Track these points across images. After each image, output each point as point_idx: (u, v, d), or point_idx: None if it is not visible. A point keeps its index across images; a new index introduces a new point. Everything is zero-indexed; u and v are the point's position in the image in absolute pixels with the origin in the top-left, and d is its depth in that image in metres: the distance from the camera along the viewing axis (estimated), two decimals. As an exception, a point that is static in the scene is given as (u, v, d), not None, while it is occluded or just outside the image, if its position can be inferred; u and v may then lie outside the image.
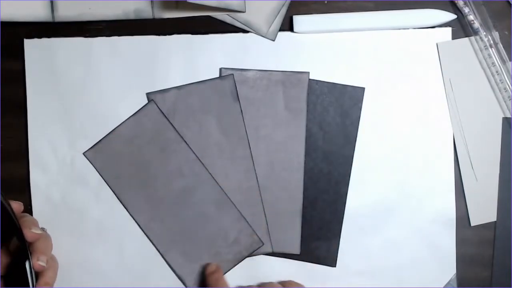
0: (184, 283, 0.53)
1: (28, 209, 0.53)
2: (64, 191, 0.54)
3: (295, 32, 0.53)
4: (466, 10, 0.52)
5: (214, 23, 0.53)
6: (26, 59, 0.53)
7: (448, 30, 0.53)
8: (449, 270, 0.54)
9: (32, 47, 0.53)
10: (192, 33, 0.53)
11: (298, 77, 0.52)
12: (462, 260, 0.54)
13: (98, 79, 0.53)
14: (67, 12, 0.52)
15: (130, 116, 0.52)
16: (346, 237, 0.54)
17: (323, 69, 0.53)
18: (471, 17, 0.52)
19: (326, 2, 0.53)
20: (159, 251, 0.53)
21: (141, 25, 0.53)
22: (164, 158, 0.52)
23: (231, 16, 0.53)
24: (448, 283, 0.53)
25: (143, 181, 0.53)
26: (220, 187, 0.52)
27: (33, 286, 0.45)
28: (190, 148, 0.52)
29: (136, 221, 0.53)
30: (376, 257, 0.54)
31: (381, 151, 0.53)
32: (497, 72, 0.52)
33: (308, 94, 0.53)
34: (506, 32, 0.53)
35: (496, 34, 0.52)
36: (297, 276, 0.54)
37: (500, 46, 0.52)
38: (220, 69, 0.53)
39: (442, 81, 0.53)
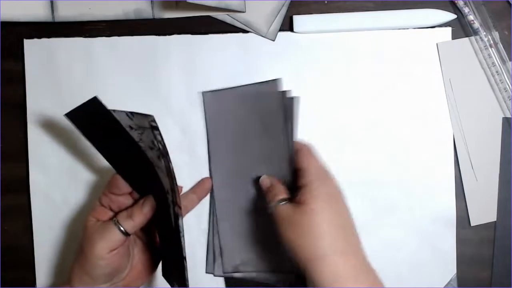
0: (213, 257, 0.53)
1: (28, 209, 0.53)
2: (64, 191, 0.54)
3: (295, 32, 0.53)
4: (466, 10, 0.52)
5: (214, 23, 0.53)
6: (26, 59, 0.53)
7: (448, 30, 0.53)
8: (449, 270, 0.54)
9: (32, 47, 0.53)
10: (192, 33, 0.53)
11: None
12: (462, 260, 0.54)
13: (98, 79, 0.53)
14: (67, 12, 0.52)
15: (256, 83, 0.52)
16: (346, 237, 0.54)
17: (323, 69, 0.53)
18: (471, 17, 0.52)
19: (326, 2, 0.53)
20: (215, 217, 0.53)
21: (141, 25, 0.53)
22: (261, 137, 0.52)
23: (231, 16, 0.53)
24: (448, 283, 0.53)
25: (236, 145, 0.52)
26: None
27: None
28: (289, 143, 0.51)
29: (212, 177, 0.53)
30: (376, 257, 0.54)
31: (381, 151, 0.53)
32: (497, 72, 0.52)
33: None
34: (506, 32, 0.53)
35: (496, 34, 0.52)
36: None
37: (500, 46, 0.52)
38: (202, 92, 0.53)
39: (442, 81, 0.53)
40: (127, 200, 0.48)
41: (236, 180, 0.53)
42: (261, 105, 0.51)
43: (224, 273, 0.53)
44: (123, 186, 0.47)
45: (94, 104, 0.41)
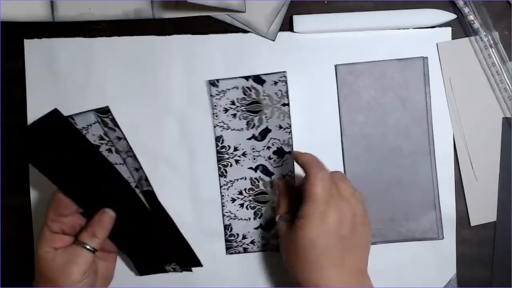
0: None
1: (28, 209, 0.53)
2: (64, 191, 0.54)
3: (295, 32, 0.53)
4: (466, 10, 0.52)
5: (214, 23, 0.53)
6: (26, 59, 0.53)
7: (448, 30, 0.53)
8: (449, 270, 0.54)
9: (32, 47, 0.53)
10: (192, 33, 0.53)
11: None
12: (462, 260, 0.54)
13: (98, 79, 0.53)
14: (67, 12, 0.52)
15: (399, 59, 0.53)
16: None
17: (323, 69, 0.53)
18: (471, 17, 0.52)
19: (326, 2, 0.53)
20: None
21: (141, 25, 0.53)
22: (399, 109, 0.53)
23: (231, 16, 0.53)
24: (448, 283, 0.53)
25: (369, 119, 0.53)
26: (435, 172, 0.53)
27: None
28: (427, 112, 0.52)
29: (343, 150, 0.53)
30: (376, 257, 0.54)
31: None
32: (497, 72, 0.52)
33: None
34: (506, 32, 0.53)
35: (496, 34, 0.52)
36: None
37: (500, 46, 0.52)
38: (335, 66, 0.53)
39: (442, 81, 0.53)
40: (79, 219, 0.48)
41: (367, 154, 0.53)
42: (400, 79, 0.52)
43: None
44: (70, 204, 0.47)
45: (55, 117, 0.42)
